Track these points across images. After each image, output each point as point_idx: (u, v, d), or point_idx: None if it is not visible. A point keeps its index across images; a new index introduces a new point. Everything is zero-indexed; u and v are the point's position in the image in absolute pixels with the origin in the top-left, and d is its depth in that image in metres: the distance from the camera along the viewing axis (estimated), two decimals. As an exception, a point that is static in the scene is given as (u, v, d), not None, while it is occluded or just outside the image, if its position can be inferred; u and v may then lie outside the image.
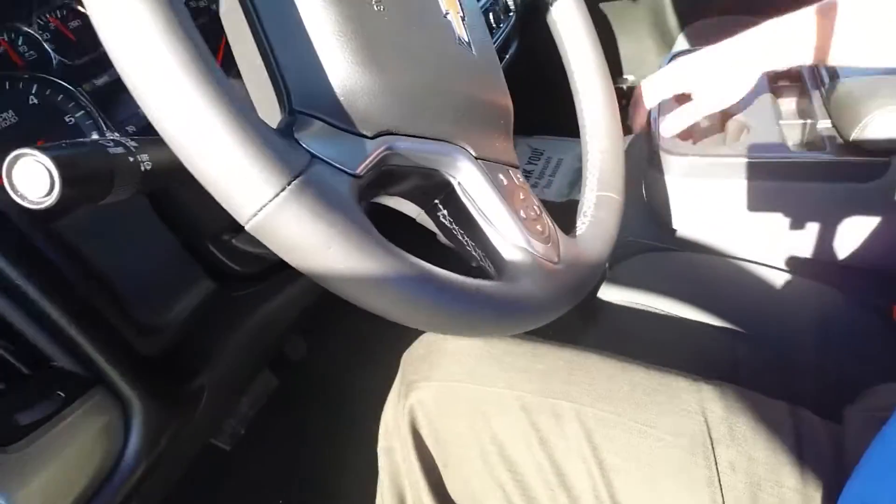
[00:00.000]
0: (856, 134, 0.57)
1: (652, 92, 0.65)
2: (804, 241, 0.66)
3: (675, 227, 0.71)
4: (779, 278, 0.65)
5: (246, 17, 0.28)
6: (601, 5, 1.56)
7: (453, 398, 0.44)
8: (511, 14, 0.90)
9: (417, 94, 0.30)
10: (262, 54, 0.28)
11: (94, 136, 0.31)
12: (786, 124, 0.67)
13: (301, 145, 0.25)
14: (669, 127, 0.65)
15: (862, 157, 0.57)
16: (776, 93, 0.72)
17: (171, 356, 0.40)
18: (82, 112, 0.44)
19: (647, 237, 0.75)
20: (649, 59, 1.58)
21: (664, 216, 0.71)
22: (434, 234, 0.38)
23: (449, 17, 0.34)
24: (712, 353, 0.57)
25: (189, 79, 0.20)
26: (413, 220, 0.41)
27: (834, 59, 0.55)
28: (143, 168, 0.28)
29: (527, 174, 1.56)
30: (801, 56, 0.56)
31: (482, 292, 0.28)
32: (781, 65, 0.58)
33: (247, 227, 0.22)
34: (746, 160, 0.62)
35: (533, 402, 0.42)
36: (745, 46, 0.58)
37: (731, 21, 1.24)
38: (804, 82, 0.71)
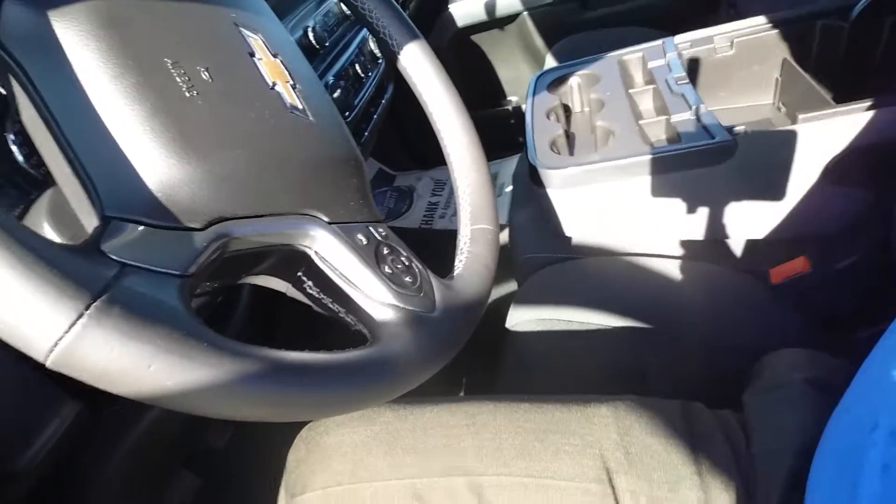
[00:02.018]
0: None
1: None
2: (684, 227, 0.70)
3: (568, 235, 0.74)
4: (669, 266, 0.68)
5: (45, 124, 0.27)
6: (473, 37, 1.63)
7: None
8: (380, 61, 0.92)
9: (249, 173, 0.29)
10: (67, 160, 0.27)
11: None
12: (645, 123, 0.72)
13: (108, 257, 0.23)
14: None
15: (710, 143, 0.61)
16: (633, 96, 0.78)
17: (42, 499, 0.36)
18: None
19: (546, 250, 0.77)
20: (526, 80, 1.66)
21: (556, 227, 0.73)
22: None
23: (277, 87, 0.34)
24: (621, 357, 0.59)
25: None
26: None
27: None
28: None
29: (432, 206, 1.57)
30: None
31: (348, 365, 0.27)
32: None
33: (47, 365, 0.20)
34: (615, 163, 0.66)
35: (424, 487, 0.40)
36: None
37: (589, 37, 1.34)
38: (656, 81, 0.77)
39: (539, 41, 1.57)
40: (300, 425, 0.46)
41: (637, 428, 0.41)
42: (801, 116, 0.60)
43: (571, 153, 0.77)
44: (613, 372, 0.59)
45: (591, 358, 0.61)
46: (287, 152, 0.32)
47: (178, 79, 0.28)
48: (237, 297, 0.58)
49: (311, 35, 0.74)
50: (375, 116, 0.90)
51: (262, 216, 0.30)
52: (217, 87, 0.30)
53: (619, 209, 0.70)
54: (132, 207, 0.25)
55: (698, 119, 0.66)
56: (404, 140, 1.64)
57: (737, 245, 0.70)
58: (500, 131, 1.71)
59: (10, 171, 0.40)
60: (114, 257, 0.23)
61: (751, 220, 0.67)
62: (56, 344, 0.19)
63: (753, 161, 0.62)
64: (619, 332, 0.61)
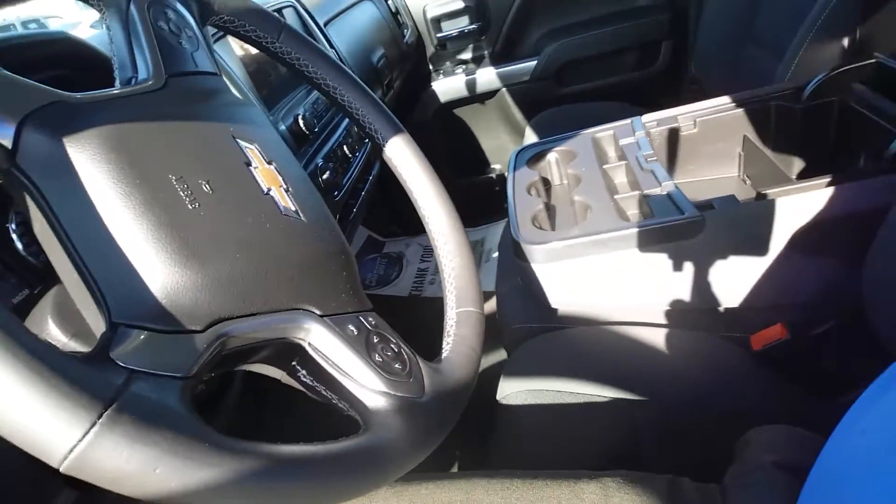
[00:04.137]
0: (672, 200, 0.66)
1: None
2: (665, 296, 0.72)
3: (554, 306, 0.76)
4: (654, 334, 0.70)
5: (57, 238, 0.28)
6: (456, 111, 1.72)
7: None
8: (366, 141, 0.97)
9: (246, 276, 0.31)
10: (77, 270, 0.28)
11: None
12: (620, 198, 0.76)
13: (117, 364, 0.24)
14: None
15: (680, 218, 0.65)
16: (608, 171, 0.82)
17: None
18: None
19: (533, 320, 0.79)
20: (508, 149, 1.75)
21: (541, 298, 0.75)
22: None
23: (272, 192, 0.36)
24: (612, 427, 0.60)
25: None
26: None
27: None
28: None
29: (422, 272, 1.60)
30: None
31: (341, 456, 0.28)
32: None
33: (62, 471, 0.21)
34: (594, 238, 0.69)
35: None
36: None
37: (566, 110, 1.42)
38: (627, 158, 0.82)
39: (518, 114, 1.66)
40: None
41: None
42: (765, 192, 0.64)
43: (553, 227, 0.80)
44: (605, 443, 0.60)
45: (582, 429, 0.61)
46: (282, 253, 0.34)
47: (181, 193, 0.31)
48: (229, 382, 0.58)
49: (301, 122, 0.79)
50: (364, 193, 0.94)
51: (258, 314, 0.31)
52: (217, 198, 0.32)
53: (602, 280, 0.73)
54: (138, 314, 0.27)
55: (668, 195, 0.70)
56: (392, 208, 1.69)
57: (717, 313, 0.73)
58: (486, 198, 1.77)
59: (10, 260, 0.42)
60: (121, 364, 0.24)
61: (727, 289, 0.70)
62: (71, 451, 0.20)
63: (723, 234, 0.65)
64: (608, 401, 0.62)
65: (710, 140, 0.86)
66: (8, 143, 0.27)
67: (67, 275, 0.29)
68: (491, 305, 0.84)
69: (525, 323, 0.79)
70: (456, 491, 0.45)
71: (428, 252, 1.65)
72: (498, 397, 0.69)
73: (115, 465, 0.21)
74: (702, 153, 0.87)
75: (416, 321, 0.87)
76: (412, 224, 1.62)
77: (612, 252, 0.69)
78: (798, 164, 0.82)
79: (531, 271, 0.74)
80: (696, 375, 0.65)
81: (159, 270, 0.28)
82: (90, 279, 0.28)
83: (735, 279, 0.69)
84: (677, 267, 0.70)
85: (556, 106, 1.44)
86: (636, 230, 0.67)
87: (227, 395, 0.58)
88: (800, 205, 0.64)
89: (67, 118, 0.29)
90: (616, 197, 0.75)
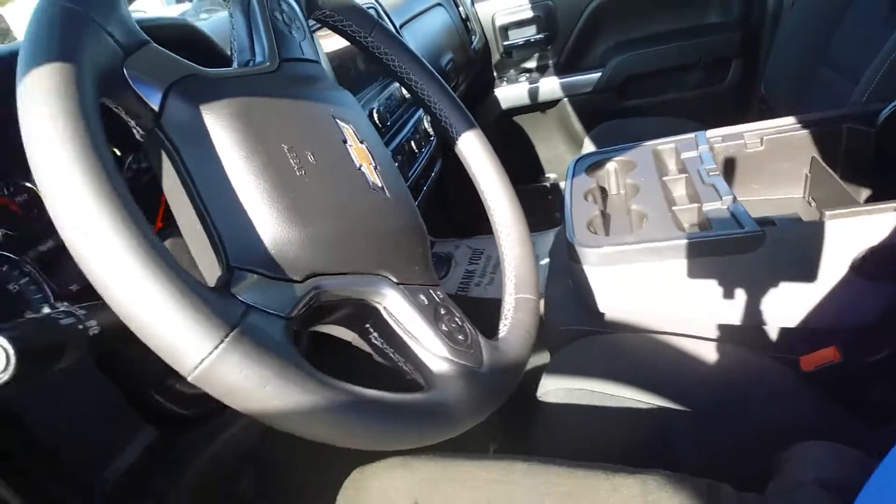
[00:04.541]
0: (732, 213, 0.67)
1: None
2: (715, 310, 0.72)
3: (602, 310, 0.77)
4: (700, 346, 0.71)
5: (186, 192, 0.33)
6: (516, 118, 1.75)
7: None
8: (432, 138, 1.01)
9: (339, 239, 0.35)
10: (201, 221, 0.33)
11: (46, 310, 0.34)
12: (678, 209, 0.76)
13: (237, 298, 0.29)
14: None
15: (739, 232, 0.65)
16: (667, 183, 0.83)
17: None
18: (26, 279, 0.47)
19: (580, 323, 0.80)
20: (564, 159, 1.76)
21: (590, 302, 0.77)
22: (371, 354, 0.42)
23: (363, 168, 0.40)
24: (650, 432, 0.61)
25: (128, 251, 0.24)
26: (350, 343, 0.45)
27: None
28: (91, 333, 0.31)
29: (469, 274, 1.62)
30: None
31: (409, 405, 0.32)
32: None
33: (189, 379, 0.25)
34: (649, 245, 0.70)
35: None
36: None
37: (626, 123, 1.42)
38: (688, 171, 0.82)
39: (578, 125, 1.67)
40: (329, 477, 0.50)
41: (662, 503, 0.42)
42: (828, 213, 0.64)
43: (607, 233, 0.82)
44: (641, 447, 0.61)
45: (619, 431, 0.63)
46: (368, 223, 0.38)
47: (292, 161, 0.35)
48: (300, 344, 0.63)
49: (375, 115, 0.84)
50: (425, 188, 0.98)
51: (345, 273, 0.35)
52: (319, 168, 0.37)
53: (651, 289, 0.74)
54: (251, 261, 0.31)
55: (729, 209, 0.70)
56: (445, 209, 1.73)
57: (768, 331, 0.72)
58: (539, 206, 1.79)
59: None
60: (241, 298, 0.28)
61: (781, 308, 0.70)
62: (201, 362, 0.25)
63: (782, 252, 0.65)
64: (648, 407, 0.63)
65: (777, 159, 0.85)
66: (156, 107, 0.32)
67: (190, 226, 0.34)
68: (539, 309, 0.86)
69: (571, 325, 0.81)
70: (496, 471, 0.47)
71: (476, 254, 1.67)
72: (539, 394, 0.71)
73: (234, 380, 0.25)
74: (766, 172, 0.87)
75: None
76: (464, 226, 1.66)
77: (666, 261, 0.70)
78: (866, 189, 0.80)
79: (583, 274, 0.75)
80: (740, 391, 0.65)
81: (270, 225, 0.32)
82: (212, 229, 0.32)
83: (790, 299, 0.69)
84: (731, 282, 0.70)
85: (617, 119, 1.45)
86: (692, 241, 0.68)
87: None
88: (864, 228, 0.63)
89: (203, 89, 0.34)
90: (674, 208, 0.76)
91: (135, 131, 0.33)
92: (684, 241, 0.68)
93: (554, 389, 0.69)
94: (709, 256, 0.68)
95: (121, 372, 0.44)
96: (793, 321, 0.70)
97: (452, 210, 1.71)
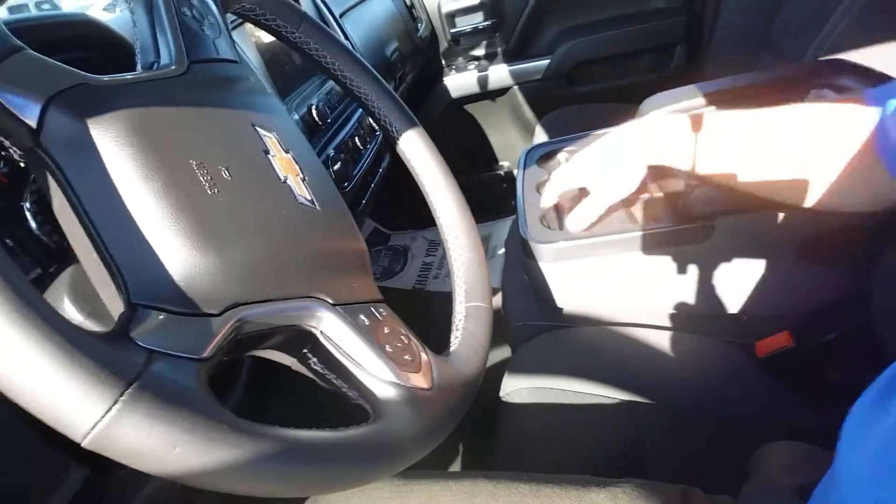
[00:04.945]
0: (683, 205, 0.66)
1: (552, 191, 0.69)
2: (672, 300, 0.72)
3: (560, 305, 0.76)
4: (660, 337, 0.71)
5: (77, 218, 0.29)
6: (467, 107, 1.72)
7: None
8: (377, 133, 0.97)
9: (262, 262, 0.32)
10: (96, 251, 0.29)
11: None
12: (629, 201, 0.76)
13: (137, 344, 0.25)
14: (577, 222, 0.68)
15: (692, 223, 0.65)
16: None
17: None
18: None
19: (539, 318, 0.79)
20: (517, 147, 1.75)
21: (547, 297, 0.76)
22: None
23: (289, 181, 0.37)
24: (617, 429, 0.60)
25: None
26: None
27: (702, 169, 0.55)
28: None
29: (426, 266, 1.60)
30: (675, 159, 0.57)
31: (351, 443, 0.29)
32: (660, 161, 0.58)
33: (83, 445, 0.22)
34: (602, 238, 0.69)
35: None
36: (628, 141, 0.61)
37: (576, 110, 1.42)
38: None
39: (529, 112, 1.65)
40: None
41: None
42: (775, 199, 0.64)
43: (561, 227, 0.80)
44: (609, 444, 0.60)
45: (586, 429, 0.62)
46: (297, 241, 0.35)
47: (201, 178, 0.31)
48: (238, 367, 0.59)
49: (314, 112, 0.79)
50: (373, 185, 0.94)
51: (272, 301, 0.32)
52: (236, 184, 0.33)
53: (608, 282, 0.73)
54: (157, 296, 0.27)
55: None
56: (399, 201, 1.69)
57: (723, 318, 0.73)
58: (493, 194, 1.78)
59: (24, 239, 0.42)
60: (141, 344, 0.25)
61: (735, 296, 0.70)
62: (94, 427, 0.21)
63: (732, 241, 0.65)
64: (612, 402, 0.62)
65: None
66: (33, 123, 0.28)
67: (86, 255, 0.30)
68: (496, 301, 0.84)
69: (530, 321, 0.80)
70: (459, 493, 0.44)
71: (433, 246, 1.65)
72: (501, 394, 0.69)
73: (137, 443, 0.22)
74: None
75: (420, 314, 0.88)
76: (419, 218, 1.62)
77: (620, 254, 0.69)
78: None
79: (538, 270, 0.74)
80: (700, 380, 0.65)
81: (178, 253, 0.28)
82: (109, 260, 0.28)
83: (742, 286, 0.69)
84: (684, 271, 0.70)
85: (568, 105, 1.44)
86: (644, 233, 0.67)
87: (235, 379, 0.58)
88: (809, 214, 0.64)
89: (92, 100, 0.29)
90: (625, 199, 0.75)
91: (11, 152, 0.29)
92: (636, 234, 0.67)
93: (517, 389, 0.68)
94: (662, 247, 0.68)
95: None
96: (745, 307, 0.71)
97: (405, 202, 1.68)
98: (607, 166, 0.63)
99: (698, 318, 0.73)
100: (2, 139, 0.28)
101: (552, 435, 0.63)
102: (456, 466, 0.99)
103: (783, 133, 0.50)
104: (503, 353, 1.02)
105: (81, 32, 0.47)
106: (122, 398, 0.22)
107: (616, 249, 0.69)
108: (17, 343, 0.20)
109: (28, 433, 0.39)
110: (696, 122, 0.55)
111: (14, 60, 0.28)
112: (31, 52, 0.29)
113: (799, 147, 0.49)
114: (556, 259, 0.72)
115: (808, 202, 0.51)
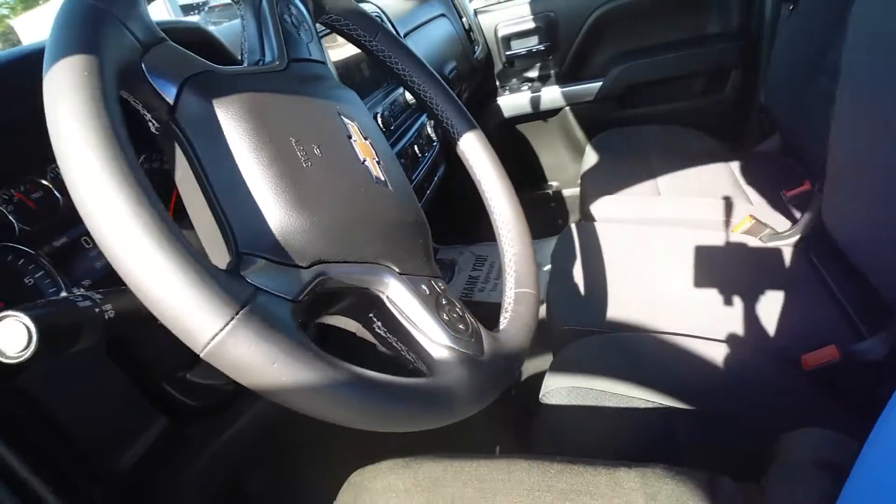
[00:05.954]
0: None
1: None
2: (717, 311, 0.73)
3: (604, 309, 0.78)
4: (701, 346, 0.71)
5: (198, 182, 0.35)
6: (518, 126, 1.76)
7: None
8: (435, 143, 1.03)
9: (343, 228, 0.37)
10: (211, 210, 0.34)
11: (63, 294, 0.35)
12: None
13: (246, 281, 0.30)
14: None
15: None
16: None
17: (127, 500, 0.41)
18: (41, 272, 0.48)
19: (582, 323, 0.81)
20: (567, 167, 1.77)
21: (592, 301, 0.78)
22: (375, 344, 0.43)
23: (366, 163, 0.42)
24: (652, 429, 0.61)
25: (145, 231, 0.25)
26: (354, 335, 0.46)
27: None
28: (106, 317, 0.33)
29: (473, 279, 1.63)
30: None
31: (412, 388, 0.32)
32: None
33: (202, 355, 0.26)
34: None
35: None
36: None
37: (627, 132, 1.44)
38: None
39: (580, 133, 1.68)
40: (336, 474, 0.50)
41: (663, 496, 0.43)
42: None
43: None
44: (644, 445, 0.61)
45: (622, 428, 0.63)
46: (373, 213, 0.40)
47: (298, 153, 0.36)
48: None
49: (379, 120, 0.86)
50: (428, 192, 1.00)
51: (350, 262, 0.36)
52: (325, 160, 0.38)
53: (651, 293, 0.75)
54: (259, 247, 0.32)
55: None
56: (450, 215, 1.74)
57: (769, 331, 0.73)
58: (541, 214, 1.80)
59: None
60: (249, 280, 0.30)
61: (781, 310, 0.71)
62: (211, 339, 0.26)
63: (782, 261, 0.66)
64: (650, 405, 0.63)
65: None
66: (171, 100, 0.34)
67: (200, 216, 0.35)
68: (540, 313, 0.87)
69: (574, 325, 0.82)
70: (497, 470, 0.47)
71: (480, 261, 1.68)
72: (541, 395, 0.72)
73: (244, 356, 0.26)
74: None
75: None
76: (468, 233, 1.67)
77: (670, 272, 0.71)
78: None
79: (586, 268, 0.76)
80: (742, 390, 0.65)
81: (277, 213, 0.34)
82: (222, 216, 0.33)
83: (791, 302, 0.70)
84: (735, 285, 0.71)
85: (618, 127, 1.46)
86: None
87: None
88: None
89: (216, 85, 0.35)
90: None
91: (150, 124, 0.35)
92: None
93: (556, 389, 0.70)
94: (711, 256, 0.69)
95: (133, 364, 0.45)
96: (794, 322, 0.71)
97: (456, 217, 1.73)
98: None
99: (743, 329, 0.73)
100: (145, 112, 0.34)
101: (587, 431, 0.64)
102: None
103: None
104: (545, 361, 1.04)
105: (197, 37, 0.55)
106: (236, 316, 0.26)
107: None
108: (162, 263, 0.25)
109: (127, 386, 0.45)
110: None
111: (159, 48, 0.34)
112: (171, 43, 0.35)
113: None
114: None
115: None
